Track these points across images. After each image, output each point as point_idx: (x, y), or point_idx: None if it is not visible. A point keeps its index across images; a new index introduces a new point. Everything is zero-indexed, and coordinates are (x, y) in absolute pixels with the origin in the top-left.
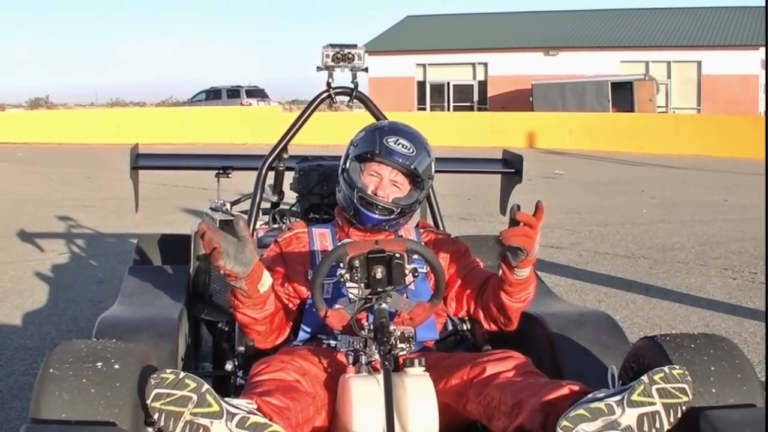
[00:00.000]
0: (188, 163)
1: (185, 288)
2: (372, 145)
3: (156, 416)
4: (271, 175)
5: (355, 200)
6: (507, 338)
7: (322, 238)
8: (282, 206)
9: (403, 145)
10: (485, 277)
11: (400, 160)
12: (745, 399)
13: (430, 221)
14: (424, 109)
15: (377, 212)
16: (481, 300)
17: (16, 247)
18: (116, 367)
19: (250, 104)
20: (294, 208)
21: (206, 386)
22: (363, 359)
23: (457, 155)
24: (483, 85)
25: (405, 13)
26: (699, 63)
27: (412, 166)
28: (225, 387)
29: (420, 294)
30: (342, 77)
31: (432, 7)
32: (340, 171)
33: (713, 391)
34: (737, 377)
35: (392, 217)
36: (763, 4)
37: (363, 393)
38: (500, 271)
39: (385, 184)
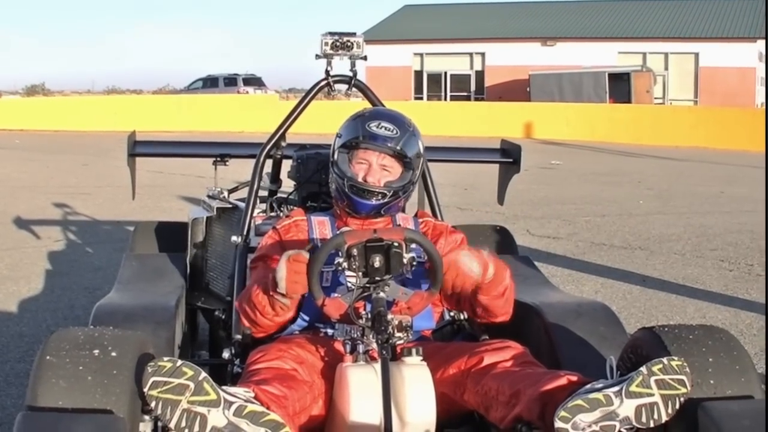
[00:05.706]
0: (185, 151)
1: (182, 276)
2: (355, 132)
3: (153, 404)
4: (269, 163)
5: (346, 189)
6: (505, 328)
7: (321, 226)
8: (279, 194)
9: (385, 128)
10: None
11: (388, 143)
12: (743, 390)
13: (428, 210)
14: (422, 98)
15: (371, 198)
16: (468, 297)
17: (12, 234)
18: (113, 354)
19: (247, 92)
20: (292, 197)
21: (203, 374)
22: (360, 348)
23: (454, 145)
24: (480, 75)
25: (403, 2)
26: (696, 55)
27: (398, 147)
28: (222, 375)
29: (418, 283)
30: (340, 66)
31: None
32: (330, 164)
33: (711, 382)
34: (735, 369)
35: (386, 200)
36: None
37: (360, 382)
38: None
39: (374, 169)
